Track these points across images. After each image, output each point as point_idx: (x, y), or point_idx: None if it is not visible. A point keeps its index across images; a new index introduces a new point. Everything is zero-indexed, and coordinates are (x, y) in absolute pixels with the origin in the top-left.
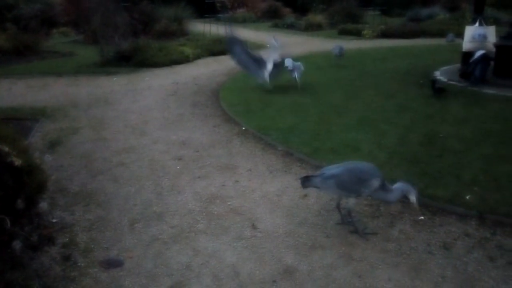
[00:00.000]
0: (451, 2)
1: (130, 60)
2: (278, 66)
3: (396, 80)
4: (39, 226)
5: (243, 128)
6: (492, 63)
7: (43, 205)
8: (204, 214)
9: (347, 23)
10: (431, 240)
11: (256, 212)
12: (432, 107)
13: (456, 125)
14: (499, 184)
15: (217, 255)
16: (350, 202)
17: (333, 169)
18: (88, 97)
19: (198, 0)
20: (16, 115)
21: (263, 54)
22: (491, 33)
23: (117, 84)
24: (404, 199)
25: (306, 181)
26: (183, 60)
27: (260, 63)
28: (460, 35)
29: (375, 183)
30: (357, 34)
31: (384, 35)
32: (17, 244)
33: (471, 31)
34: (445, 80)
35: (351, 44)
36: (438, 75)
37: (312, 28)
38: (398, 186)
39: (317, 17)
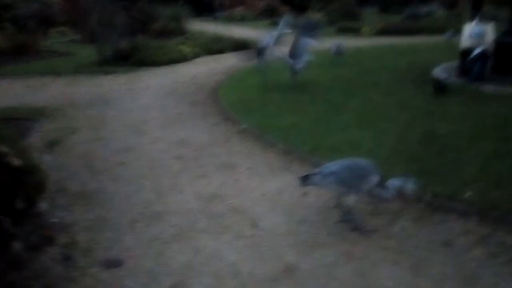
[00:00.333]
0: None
1: (128, 59)
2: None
3: (395, 78)
4: (39, 226)
5: (243, 127)
6: (490, 60)
7: (43, 205)
8: (204, 213)
9: (345, 21)
10: (432, 237)
11: (256, 211)
12: (431, 104)
13: (456, 122)
14: (500, 181)
15: (218, 254)
16: (350, 199)
17: (332, 166)
18: (87, 96)
19: None
20: (15, 115)
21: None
22: (489, 30)
23: (115, 84)
24: (403, 196)
25: (305, 180)
26: (182, 59)
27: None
28: (459, 32)
29: (374, 179)
30: (356, 31)
31: (383, 32)
32: (17, 245)
33: (469, 28)
34: (445, 77)
35: (349, 42)
36: (437, 72)
37: None
38: (393, 182)
39: (316, 15)
